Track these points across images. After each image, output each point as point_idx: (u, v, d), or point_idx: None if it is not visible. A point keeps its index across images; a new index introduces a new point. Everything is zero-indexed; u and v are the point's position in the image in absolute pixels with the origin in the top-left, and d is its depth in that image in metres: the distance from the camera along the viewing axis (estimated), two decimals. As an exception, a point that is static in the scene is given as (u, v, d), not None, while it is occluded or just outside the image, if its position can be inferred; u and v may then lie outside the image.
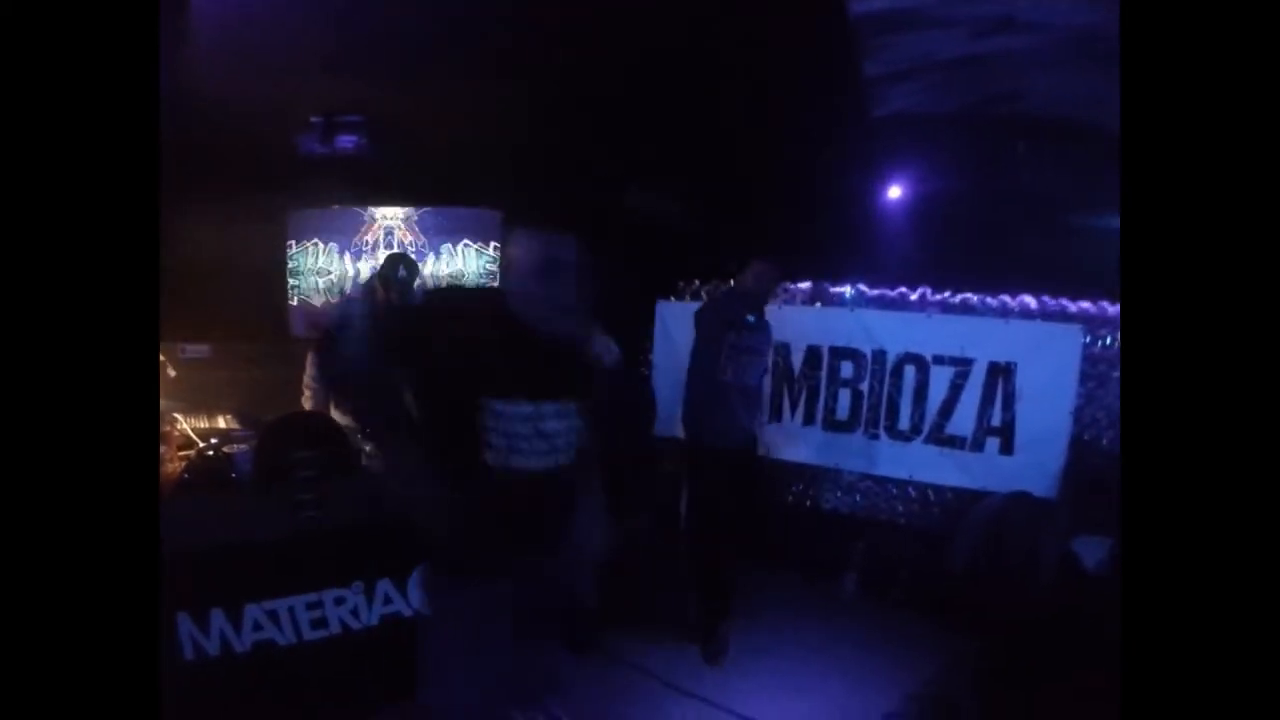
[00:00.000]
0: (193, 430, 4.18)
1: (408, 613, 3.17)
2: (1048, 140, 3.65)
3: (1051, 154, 3.66)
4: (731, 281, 4.32)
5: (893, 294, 4.46)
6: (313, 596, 3.02)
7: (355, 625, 3.09)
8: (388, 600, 3.16)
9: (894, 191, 4.54)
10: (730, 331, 3.96)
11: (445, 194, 4.90)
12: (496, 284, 5.20)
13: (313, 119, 4.12)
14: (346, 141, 4.14)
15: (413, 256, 4.77)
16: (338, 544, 3.07)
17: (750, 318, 4.05)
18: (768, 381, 4.76)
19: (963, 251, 4.33)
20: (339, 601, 3.07)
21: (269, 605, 3.06)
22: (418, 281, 4.21)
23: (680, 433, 4.15)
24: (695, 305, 5.26)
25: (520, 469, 2.17)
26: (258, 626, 3.06)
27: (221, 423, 4.34)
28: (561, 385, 2.21)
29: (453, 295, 2.96)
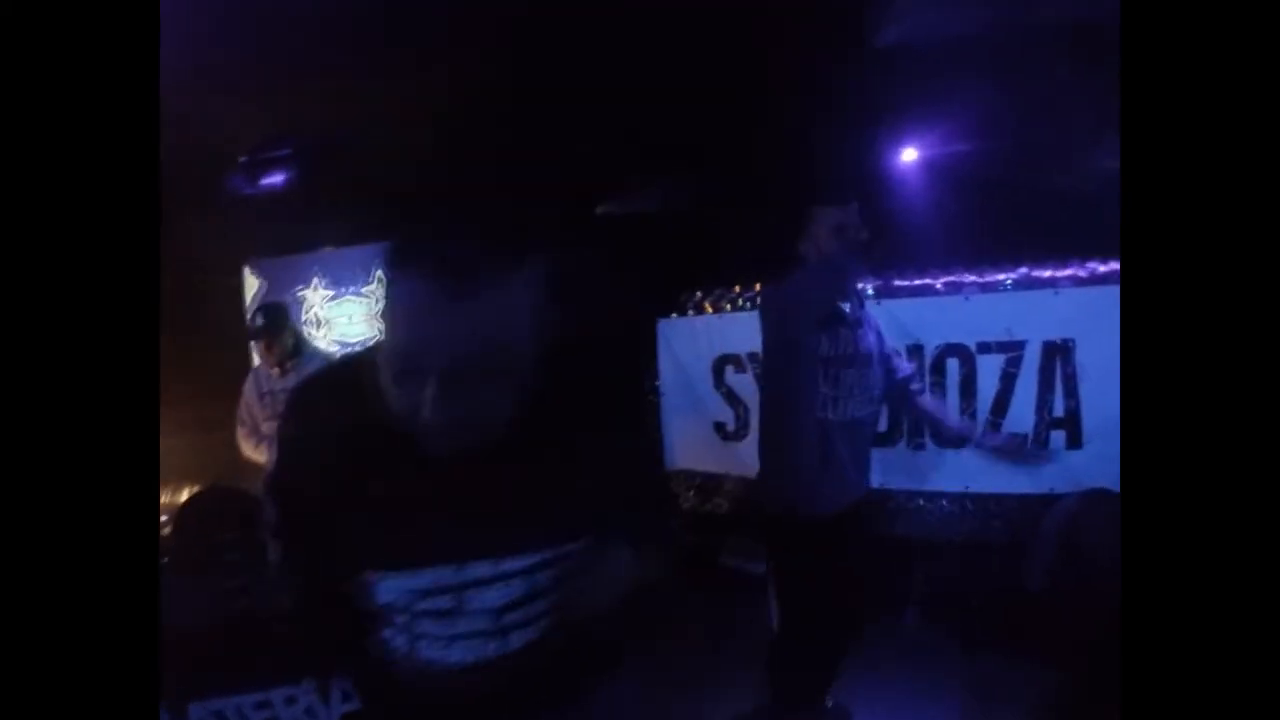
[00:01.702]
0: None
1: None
2: (1098, 57, 2.93)
3: (1104, 77, 2.94)
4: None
5: (921, 278, 3.89)
6: (260, 695, 2.66)
7: (312, 728, 2.68)
8: (347, 698, 2.69)
9: (909, 154, 3.91)
10: (822, 336, 2.57)
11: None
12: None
13: (240, 158, 3.70)
14: (274, 179, 3.70)
15: (281, 303, 4.08)
16: (282, 635, 2.67)
17: (847, 306, 2.71)
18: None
19: (998, 216, 3.74)
20: (290, 701, 2.67)
21: (214, 705, 2.69)
22: (289, 334, 3.71)
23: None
24: (703, 319, 4.73)
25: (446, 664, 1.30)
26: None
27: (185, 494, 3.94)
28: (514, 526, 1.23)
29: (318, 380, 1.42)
